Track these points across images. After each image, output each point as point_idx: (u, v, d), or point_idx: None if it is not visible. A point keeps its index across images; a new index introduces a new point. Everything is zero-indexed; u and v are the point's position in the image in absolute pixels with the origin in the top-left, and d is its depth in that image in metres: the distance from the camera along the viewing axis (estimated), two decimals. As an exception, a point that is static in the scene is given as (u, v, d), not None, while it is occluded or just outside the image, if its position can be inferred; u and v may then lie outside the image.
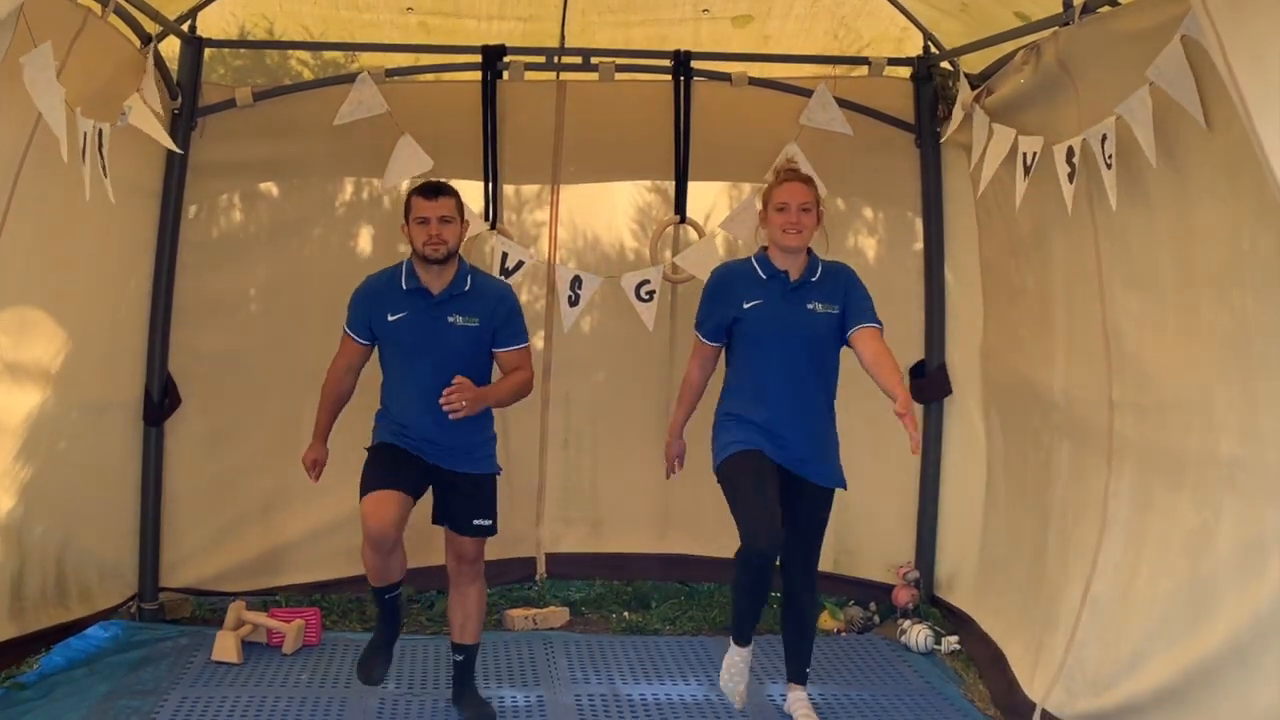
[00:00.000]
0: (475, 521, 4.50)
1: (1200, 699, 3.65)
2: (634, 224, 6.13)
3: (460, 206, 4.50)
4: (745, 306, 4.46)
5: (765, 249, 4.55)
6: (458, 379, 4.27)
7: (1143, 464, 4.18)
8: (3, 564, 4.61)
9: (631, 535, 6.14)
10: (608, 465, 6.18)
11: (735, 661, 4.51)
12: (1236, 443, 3.60)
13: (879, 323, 4.47)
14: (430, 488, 4.54)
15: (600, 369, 6.18)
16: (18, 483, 4.66)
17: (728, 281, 4.56)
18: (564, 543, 6.18)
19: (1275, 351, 3.41)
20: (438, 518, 4.57)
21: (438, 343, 4.43)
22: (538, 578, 6.11)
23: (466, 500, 4.49)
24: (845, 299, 4.46)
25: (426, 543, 4.90)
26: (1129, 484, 4.24)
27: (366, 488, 4.40)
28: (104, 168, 4.24)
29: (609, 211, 6.12)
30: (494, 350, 4.51)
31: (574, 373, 6.12)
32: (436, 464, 4.48)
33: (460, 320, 4.44)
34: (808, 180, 4.53)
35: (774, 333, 4.44)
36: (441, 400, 4.24)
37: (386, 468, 4.44)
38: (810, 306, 4.44)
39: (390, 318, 4.47)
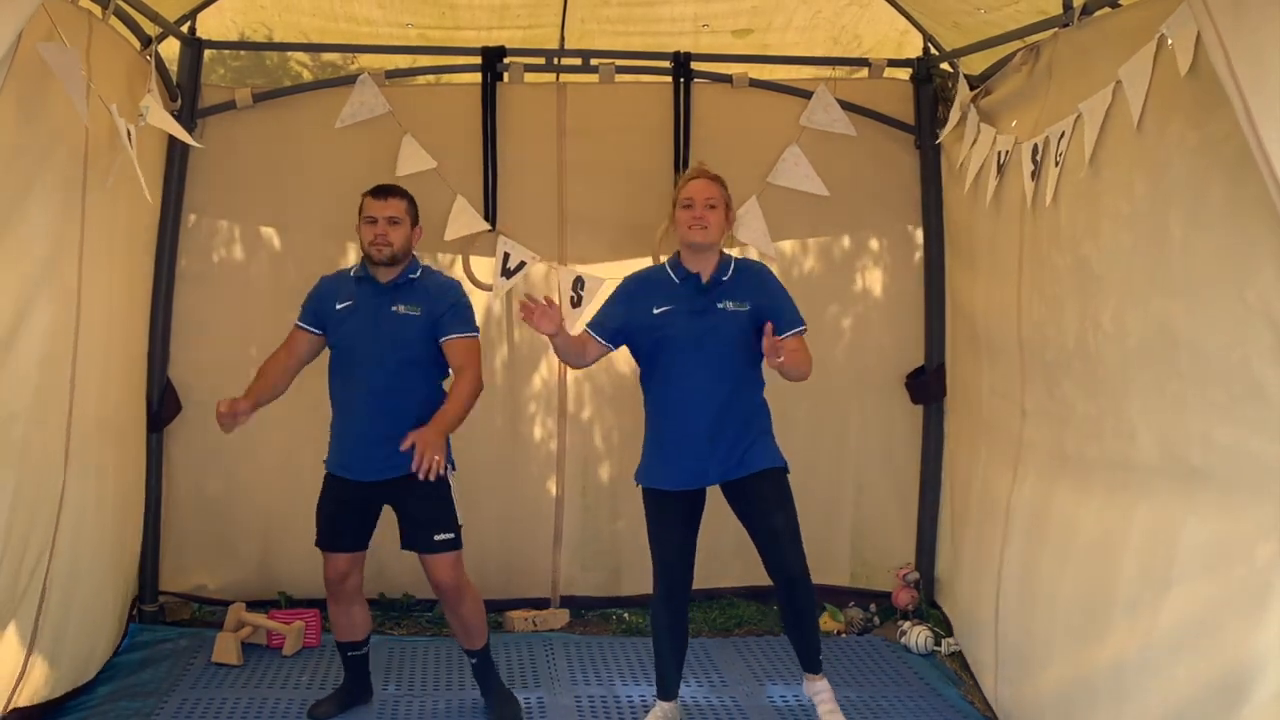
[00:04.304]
0: (436, 537, 4.41)
1: (1103, 704, 3.67)
2: (637, 228, 6.06)
3: (412, 210, 4.52)
4: (655, 312, 4.33)
5: (678, 253, 4.43)
6: (408, 439, 4.14)
7: (1045, 470, 4.20)
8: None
9: (649, 580, 6.04)
10: (626, 514, 5.96)
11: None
12: (1153, 450, 3.58)
13: (802, 325, 4.35)
14: (387, 510, 4.53)
15: (617, 417, 5.99)
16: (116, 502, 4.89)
17: (640, 286, 4.45)
18: (579, 586, 6.02)
19: (1198, 357, 3.37)
20: (404, 542, 4.51)
21: (380, 332, 4.42)
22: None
23: (422, 511, 4.40)
24: (759, 298, 4.32)
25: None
26: (1031, 489, 4.27)
27: (318, 539, 4.55)
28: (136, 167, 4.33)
29: (613, 230, 5.95)
30: (440, 340, 4.43)
31: (590, 422, 6.02)
32: (384, 478, 4.40)
33: (403, 309, 4.45)
34: (715, 178, 4.41)
35: (687, 336, 4.29)
36: (413, 468, 4.12)
37: (331, 523, 4.52)
38: (721, 306, 4.30)
39: (338, 306, 4.52)
